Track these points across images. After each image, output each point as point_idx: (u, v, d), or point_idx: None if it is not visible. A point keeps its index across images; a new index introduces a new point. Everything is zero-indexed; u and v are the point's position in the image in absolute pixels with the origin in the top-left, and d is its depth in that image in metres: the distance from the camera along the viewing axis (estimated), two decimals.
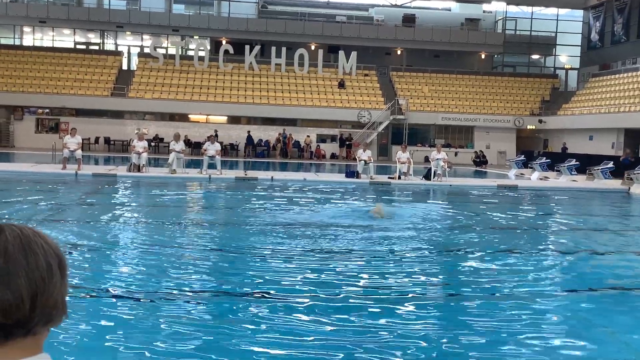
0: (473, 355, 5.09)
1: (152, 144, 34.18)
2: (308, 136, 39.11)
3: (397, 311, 6.22)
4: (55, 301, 1.07)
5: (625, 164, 24.35)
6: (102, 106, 38.16)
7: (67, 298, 1.12)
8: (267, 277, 7.38)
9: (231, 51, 41.40)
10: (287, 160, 35.82)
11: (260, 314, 5.92)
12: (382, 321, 5.84)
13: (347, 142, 38.97)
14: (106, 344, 4.98)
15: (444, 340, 5.43)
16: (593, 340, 5.58)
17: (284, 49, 41.84)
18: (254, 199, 16.15)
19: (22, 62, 40.53)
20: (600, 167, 24.19)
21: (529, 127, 41.60)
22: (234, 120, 40.19)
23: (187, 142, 32.28)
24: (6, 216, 11.26)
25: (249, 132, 38.26)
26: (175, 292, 6.63)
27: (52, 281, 1.06)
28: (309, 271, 7.88)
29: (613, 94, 37.77)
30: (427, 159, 29.95)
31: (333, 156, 39.37)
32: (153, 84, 40.24)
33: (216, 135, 28.15)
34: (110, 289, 6.65)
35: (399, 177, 22.40)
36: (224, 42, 43.01)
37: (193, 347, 5.02)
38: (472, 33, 46.14)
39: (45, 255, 1.06)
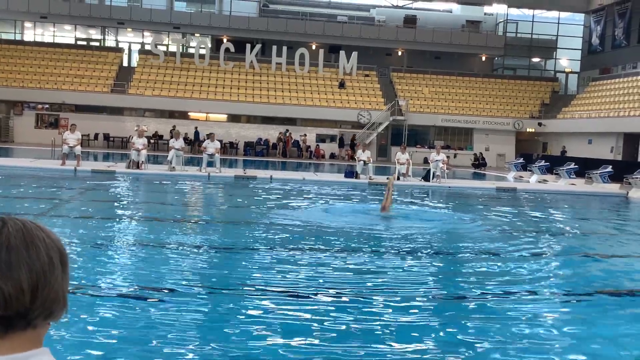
0: (472, 356, 5.11)
1: (152, 141, 34.18)
2: (305, 135, 39.07)
3: (395, 312, 6.23)
4: (56, 294, 1.07)
5: None
6: (102, 102, 38.15)
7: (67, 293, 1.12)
8: (265, 276, 7.39)
9: (232, 49, 41.42)
10: (286, 159, 35.80)
11: (257, 312, 5.92)
12: (382, 322, 5.84)
13: (353, 142, 38.43)
14: (101, 341, 4.98)
15: (443, 341, 5.44)
16: (591, 342, 5.59)
17: (284, 48, 41.85)
18: (253, 197, 16.15)
19: (23, 58, 40.52)
20: (598, 171, 24.21)
21: (528, 130, 41.65)
22: (234, 118, 40.19)
23: (186, 139, 32.23)
24: (4, 211, 11.26)
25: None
26: (172, 289, 6.63)
27: (54, 275, 1.07)
28: (307, 270, 7.89)
29: (613, 98, 37.82)
30: (426, 160, 29.98)
31: (332, 156, 39.37)
32: (153, 81, 40.23)
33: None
34: (105, 286, 6.65)
35: (398, 178, 22.38)
36: (225, 40, 43.03)
37: (190, 345, 5.02)
38: (472, 35, 46.18)
39: (47, 248, 1.07)
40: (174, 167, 21.19)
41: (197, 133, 37.12)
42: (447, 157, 25.12)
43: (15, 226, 1.07)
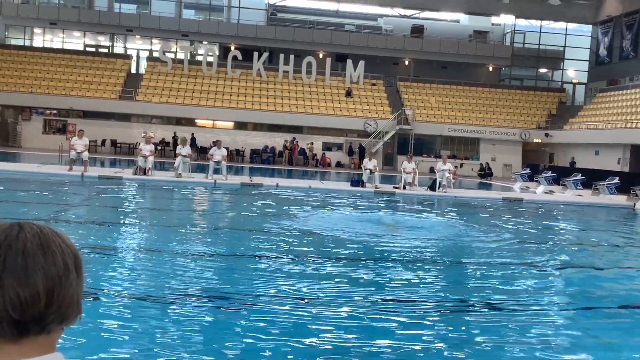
0: None
1: (159, 147, 34.28)
2: (311, 143, 39.10)
3: (399, 322, 6.22)
4: (71, 299, 1.09)
5: None
6: (109, 109, 38.32)
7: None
8: (269, 284, 7.39)
9: (239, 57, 41.58)
10: (292, 167, 35.83)
11: (261, 320, 5.92)
12: (384, 331, 5.83)
13: (362, 150, 37.86)
14: (105, 346, 4.99)
15: (446, 352, 5.43)
16: (593, 355, 5.56)
17: (292, 57, 42.00)
18: (259, 205, 16.17)
19: (32, 63, 40.79)
20: (605, 182, 24.14)
21: (535, 140, 41.58)
22: (240, 126, 40.30)
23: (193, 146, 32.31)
24: (10, 215, 11.31)
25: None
26: (176, 296, 6.64)
27: (69, 280, 1.08)
28: (311, 278, 7.88)
29: (620, 109, 37.74)
30: (432, 170, 29.96)
31: (338, 164, 39.38)
32: (161, 88, 40.41)
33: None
34: (110, 291, 6.67)
35: (404, 187, 22.38)
36: (232, 48, 43.21)
37: (193, 351, 5.03)
38: (480, 45, 46.21)
39: (62, 254, 1.08)
40: (180, 174, 21.24)
41: (193, 139, 37.16)
42: (455, 167, 25.06)
43: (32, 231, 1.08)
